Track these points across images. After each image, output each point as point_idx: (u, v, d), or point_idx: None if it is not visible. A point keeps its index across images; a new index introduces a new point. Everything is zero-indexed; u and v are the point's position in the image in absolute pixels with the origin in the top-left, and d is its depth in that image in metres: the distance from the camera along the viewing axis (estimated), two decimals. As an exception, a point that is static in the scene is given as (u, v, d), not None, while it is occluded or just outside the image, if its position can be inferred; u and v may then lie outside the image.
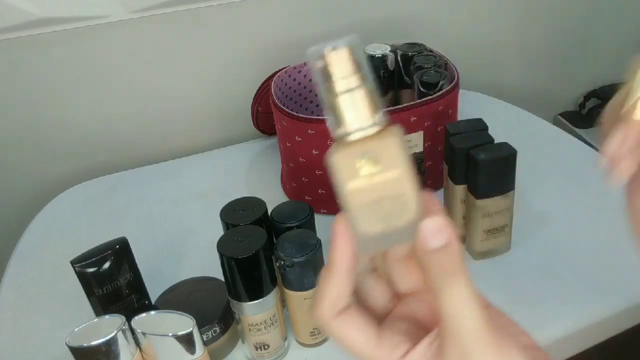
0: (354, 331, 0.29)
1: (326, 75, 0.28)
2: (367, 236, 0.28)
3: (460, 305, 0.27)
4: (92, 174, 0.91)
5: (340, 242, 0.28)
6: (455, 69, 0.76)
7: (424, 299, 0.34)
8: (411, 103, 0.71)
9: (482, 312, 0.27)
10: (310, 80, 0.83)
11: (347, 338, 0.29)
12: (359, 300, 0.33)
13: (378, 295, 0.33)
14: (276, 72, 0.80)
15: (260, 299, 0.52)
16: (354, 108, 0.28)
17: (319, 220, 0.61)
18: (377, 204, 0.28)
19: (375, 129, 0.28)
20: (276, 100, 0.73)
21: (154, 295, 0.60)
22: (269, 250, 0.52)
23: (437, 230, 0.26)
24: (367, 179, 0.27)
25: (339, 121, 0.28)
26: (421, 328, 0.32)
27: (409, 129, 0.71)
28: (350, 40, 0.28)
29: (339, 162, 0.27)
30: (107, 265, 0.54)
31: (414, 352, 0.29)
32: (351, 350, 0.30)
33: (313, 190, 0.75)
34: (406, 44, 0.83)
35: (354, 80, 0.28)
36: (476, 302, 0.27)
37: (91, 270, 0.53)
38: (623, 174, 0.36)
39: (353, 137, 0.27)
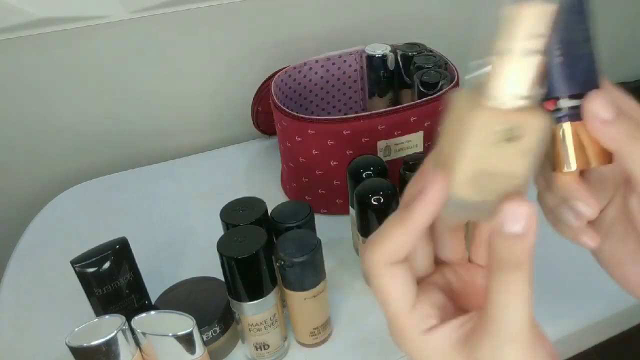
0: (400, 286, 0.29)
1: (512, 28, 0.26)
2: (461, 201, 0.27)
3: (511, 299, 0.26)
4: (92, 174, 0.91)
5: (430, 197, 0.27)
6: (455, 69, 0.76)
7: (461, 272, 0.33)
8: (411, 103, 0.71)
9: (530, 313, 0.26)
10: (311, 80, 0.83)
11: (390, 291, 0.29)
12: (437, 245, 0.33)
13: (422, 257, 0.32)
14: (276, 72, 0.80)
15: (260, 299, 0.52)
16: (521, 73, 0.26)
17: (319, 220, 0.61)
18: (491, 175, 0.26)
19: (529, 103, 0.26)
20: (276, 100, 0.73)
21: (154, 295, 0.60)
22: (269, 250, 0.52)
23: (518, 216, 0.25)
24: (497, 149, 0.26)
25: (501, 79, 0.26)
26: (453, 302, 0.32)
27: (409, 129, 0.71)
28: (550, 4, 0.26)
29: (481, 121, 0.25)
30: (107, 265, 0.54)
31: (439, 330, 0.29)
32: (388, 305, 0.29)
33: (313, 190, 0.75)
34: (406, 44, 0.83)
35: (535, 45, 0.26)
36: (528, 302, 0.26)
37: (91, 270, 0.53)
38: (592, 246, 0.34)
39: (506, 103, 0.26)
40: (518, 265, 0.26)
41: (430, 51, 0.81)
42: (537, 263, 0.70)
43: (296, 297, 0.54)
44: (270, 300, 0.53)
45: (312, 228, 0.59)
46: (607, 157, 0.31)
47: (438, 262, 0.34)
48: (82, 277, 0.53)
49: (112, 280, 0.54)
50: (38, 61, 0.82)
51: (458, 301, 0.32)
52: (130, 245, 0.56)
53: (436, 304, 0.30)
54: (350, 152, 0.69)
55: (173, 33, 0.86)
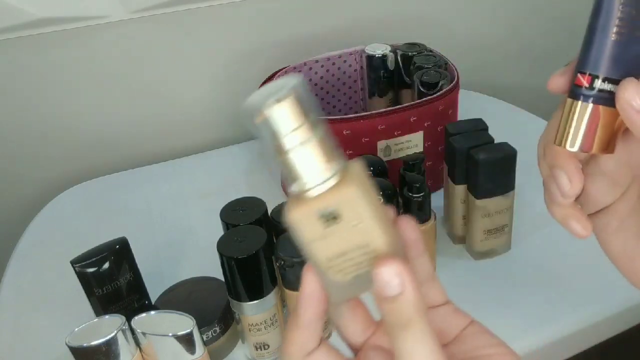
0: None
1: (271, 131, 0.25)
2: (337, 286, 0.27)
3: (414, 354, 0.26)
4: (92, 174, 0.91)
5: (307, 292, 0.28)
6: (455, 69, 0.76)
7: None
8: (411, 103, 0.71)
9: (437, 357, 0.26)
10: (311, 80, 0.83)
11: None
12: (337, 328, 0.33)
13: (354, 326, 0.32)
14: (276, 72, 0.80)
15: (260, 299, 0.52)
16: (307, 163, 0.25)
17: (319, 220, 0.60)
18: (343, 256, 0.26)
19: (332, 181, 0.25)
20: (276, 100, 0.73)
21: (154, 295, 0.60)
22: (269, 250, 0.52)
23: (389, 278, 0.25)
24: (329, 234, 0.25)
25: (292, 178, 0.25)
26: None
27: (409, 129, 0.71)
28: (293, 86, 0.25)
29: (298, 220, 0.26)
30: (107, 265, 0.54)
31: None
32: None
33: (313, 190, 0.75)
34: (406, 44, 0.83)
35: (302, 133, 0.25)
36: (431, 349, 0.26)
37: (91, 270, 0.53)
38: (582, 234, 0.33)
39: (310, 194, 0.25)
40: (408, 323, 0.25)
41: (430, 51, 0.81)
42: (539, 263, 0.69)
43: (296, 297, 0.54)
44: (270, 300, 0.53)
45: (312, 228, 0.59)
46: (612, 147, 0.30)
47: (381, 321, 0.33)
48: (82, 277, 0.53)
49: (112, 280, 0.54)
50: (38, 61, 0.82)
51: None
52: (130, 245, 0.56)
53: None
54: (350, 152, 0.69)
55: (173, 33, 0.86)
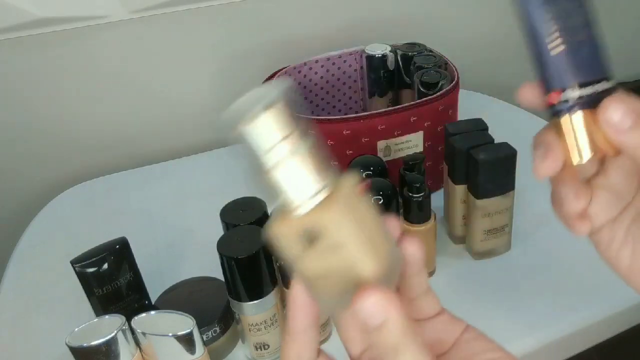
0: None
1: (251, 146, 0.23)
2: (322, 300, 0.26)
3: None
4: (92, 174, 0.91)
5: (296, 304, 0.27)
6: (455, 69, 0.76)
7: None
8: (411, 103, 0.71)
9: None
10: (311, 80, 0.83)
11: None
12: (338, 332, 0.32)
13: (354, 333, 0.31)
14: (276, 72, 0.80)
15: (260, 299, 0.52)
16: (289, 181, 0.23)
17: (319, 220, 0.60)
18: (325, 276, 0.25)
19: (314, 201, 0.23)
20: (276, 100, 0.73)
21: (154, 295, 0.60)
22: (269, 250, 0.52)
23: (371, 310, 0.24)
24: (310, 255, 0.24)
25: (276, 195, 0.24)
26: None
27: (409, 129, 0.71)
28: (271, 99, 0.22)
29: (280, 237, 0.24)
30: (107, 265, 0.54)
31: None
32: None
33: (313, 190, 0.75)
34: (406, 44, 0.83)
35: (285, 148, 0.23)
36: None
37: (91, 270, 0.53)
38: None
39: (294, 212, 0.24)
40: (397, 348, 0.25)
41: (430, 51, 0.81)
42: (539, 263, 0.69)
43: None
44: (270, 300, 0.53)
45: (312, 228, 0.59)
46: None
47: None
48: (82, 277, 0.53)
49: (112, 280, 0.54)
50: (38, 61, 0.82)
51: None
52: (130, 245, 0.56)
53: None
54: (350, 152, 0.69)
55: (173, 33, 0.86)
